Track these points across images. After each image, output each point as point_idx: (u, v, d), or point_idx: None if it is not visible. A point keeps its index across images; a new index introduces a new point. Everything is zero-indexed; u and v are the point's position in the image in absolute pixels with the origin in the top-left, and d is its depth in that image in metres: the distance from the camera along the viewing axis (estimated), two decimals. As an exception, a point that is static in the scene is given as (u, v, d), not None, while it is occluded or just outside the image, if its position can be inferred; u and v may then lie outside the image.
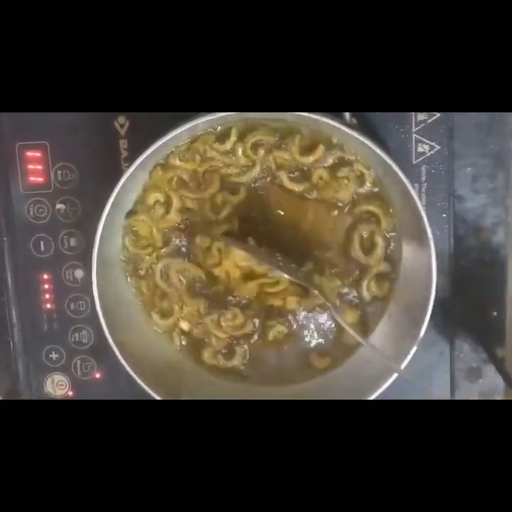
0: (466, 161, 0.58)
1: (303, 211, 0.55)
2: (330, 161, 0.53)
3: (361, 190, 0.54)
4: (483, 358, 0.59)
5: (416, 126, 0.57)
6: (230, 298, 0.56)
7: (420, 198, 0.50)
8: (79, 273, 0.59)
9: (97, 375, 0.61)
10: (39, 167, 0.58)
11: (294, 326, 0.57)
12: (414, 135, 0.57)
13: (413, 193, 0.50)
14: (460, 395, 0.60)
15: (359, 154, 0.53)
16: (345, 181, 0.54)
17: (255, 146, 0.53)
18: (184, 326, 0.57)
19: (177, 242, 0.55)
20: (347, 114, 0.52)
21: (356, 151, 0.53)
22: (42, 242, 0.59)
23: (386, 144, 0.57)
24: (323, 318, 0.57)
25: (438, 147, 0.57)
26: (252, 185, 0.54)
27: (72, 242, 0.59)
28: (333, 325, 0.57)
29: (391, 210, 0.54)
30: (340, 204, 0.54)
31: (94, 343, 0.60)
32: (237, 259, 0.54)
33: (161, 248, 0.55)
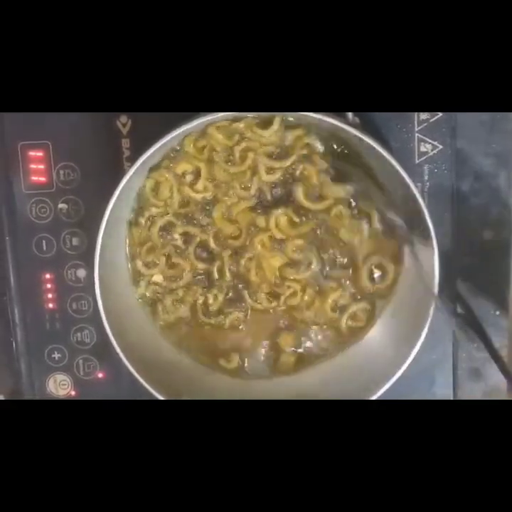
0: (469, 161, 0.58)
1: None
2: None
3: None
4: (486, 357, 0.59)
5: (418, 126, 0.57)
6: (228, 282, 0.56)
7: (423, 198, 0.50)
8: (81, 272, 0.59)
9: (100, 375, 0.61)
10: (41, 167, 0.58)
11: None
12: (416, 134, 0.57)
13: (416, 192, 0.50)
14: (463, 395, 0.60)
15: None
16: None
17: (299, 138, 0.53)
18: (157, 278, 0.57)
19: (193, 209, 0.55)
20: (349, 114, 0.52)
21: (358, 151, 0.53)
22: (44, 242, 0.59)
23: (388, 144, 0.57)
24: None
25: (440, 146, 0.57)
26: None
27: (75, 241, 0.59)
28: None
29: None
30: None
31: (96, 343, 0.60)
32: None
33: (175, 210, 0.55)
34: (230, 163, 0.54)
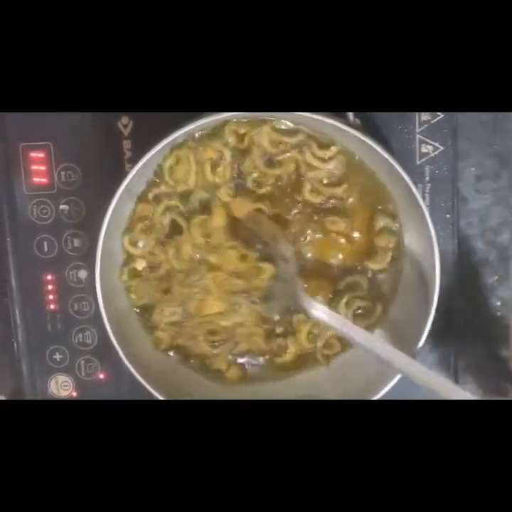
0: (470, 161, 0.58)
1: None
2: None
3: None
4: (487, 357, 0.59)
5: (419, 127, 0.57)
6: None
7: (424, 199, 0.50)
8: (82, 274, 0.59)
9: (101, 376, 0.61)
10: (43, 168, 0.58)
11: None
12: (417, 135, 0.57)
13: (417, 193, 0.50)
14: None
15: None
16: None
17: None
18: (139, 265, 0.55)
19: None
20: (350, 115, 0.52)
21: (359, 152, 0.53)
22: (45, 243, 0.59)
23: (390, 145, 0.57)
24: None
25: (442, 147, 0.57)
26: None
27: (76, 242, 0.59)
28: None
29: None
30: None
31: (98, 344, 0.60)
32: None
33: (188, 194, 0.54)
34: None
